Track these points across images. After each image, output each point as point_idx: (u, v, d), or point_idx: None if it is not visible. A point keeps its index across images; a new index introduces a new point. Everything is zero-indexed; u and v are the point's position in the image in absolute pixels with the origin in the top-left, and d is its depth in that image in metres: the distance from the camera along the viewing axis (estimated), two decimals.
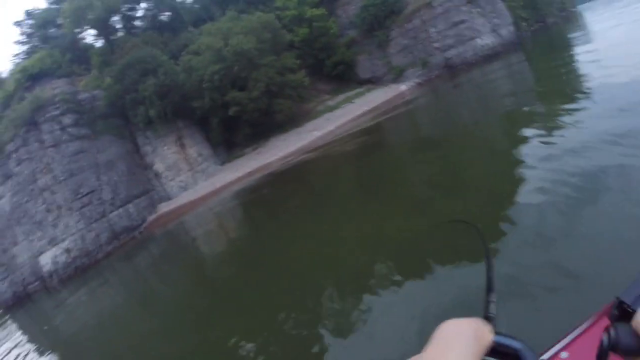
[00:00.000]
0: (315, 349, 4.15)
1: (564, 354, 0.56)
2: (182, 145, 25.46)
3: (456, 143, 10.04)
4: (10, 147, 27.98)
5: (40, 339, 15.00)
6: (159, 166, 25.35)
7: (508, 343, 0.34)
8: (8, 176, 27.96)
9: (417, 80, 32.60)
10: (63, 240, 24.76)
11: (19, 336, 17.34)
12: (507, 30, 33.24)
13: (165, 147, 25.30)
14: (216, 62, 26.49)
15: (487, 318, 0.38)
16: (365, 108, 30.00)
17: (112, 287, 17.38)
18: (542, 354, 0.43)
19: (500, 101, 14.25)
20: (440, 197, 6.84)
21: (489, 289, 0.45)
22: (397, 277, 4.78)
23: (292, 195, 13.39)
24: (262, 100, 26.99)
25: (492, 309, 0.40)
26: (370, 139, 17.58)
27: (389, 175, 9.69)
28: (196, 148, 25.80)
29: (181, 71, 27.45)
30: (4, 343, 15.86)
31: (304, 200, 11.66)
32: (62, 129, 27.40)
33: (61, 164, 26.08)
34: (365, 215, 7.66)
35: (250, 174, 24.37)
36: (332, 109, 30.37)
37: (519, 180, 5.72)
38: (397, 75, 33.88)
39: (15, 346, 14.53)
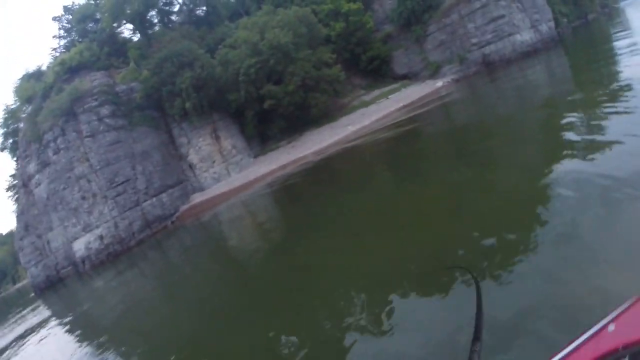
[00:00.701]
0: (342, 345, 3.82)
1: (611, 327, 0.57)
2: (217, 138, 25.33)
3: (492, 146, 9.16)
4: (48, 136, 28.57)
5: (70, 321, 15.33)
6: (193, 157, 25.29)
7: None
8: (46, 164, 28.57)
9: (454, 77, 31.65)
10: (97, 227, 24.96)
11: (49, 318, 17.56)
12: (546, 27, 31.94)
13: (200, 139, 25.24)
14: (252, 55, 26.33)
15: None
16: (401, 104, 29.19)
17: (142, 274, 17.18)
18: (587, 330, 0.38)
19: (536, 101, 13.23)
20: (471, 201, 6.07)
21: (476, 337, 0.42)
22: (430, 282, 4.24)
23: (326, 189, 12.78)
24: (298, 94, 26.60)
25: (476, 357, 0.38)
26: (404, 135, 16.81)
27: (423, 172, 9.04)
28: (230, 140, 25.62)
29: (217, 64, 27.42)
30: (35, 325, 16.23)
31: (338, 194, 11.01)
32: (100, 119, 27.78)
33: (97, 154, 26.39)
34: (399, 212, 7.08)
35: (283, 167, 23.93)
36: (367, 104, 29.69)
37: (545, 193, 4.97)
38: (434, 72, 33.08)
39: (45, 327, 14.86)
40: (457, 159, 9.05)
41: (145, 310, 10.10)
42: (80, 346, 9.35)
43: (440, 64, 32.58)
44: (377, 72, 33.40)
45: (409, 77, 34.68)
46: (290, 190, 17.07)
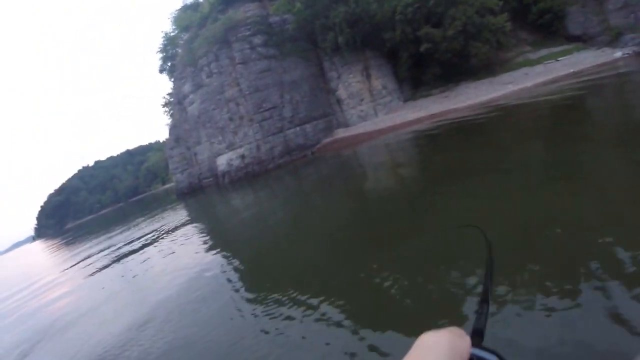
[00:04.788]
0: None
1: None
2: (368, 76, 24.55)
3: None
4: (202, 61, 31.12)
5: (200, 218, 16.91)
6: (341, 92, 25.09)
7: (485, 357, 0.33)
8: (199, 86, 31.50)
9: (637, 49, 25.23)
10: (240, 146, 26.99)
11: (185, 216, 19.46)
12: None
13: (351, 75, 24.75)
14: None
15: (476, 330, 0.37)
16: (571, 70, 24.55)
17: (274, 196, 17.55)
18: None
19: None
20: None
21: (484, 300, 0.43)
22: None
23: (475, 149, 10.82)
24: (457, 41, 23.97)
25: (483, 321, 0.39)
26: (572, 107, 13.37)
27: (587, 158, 6.65)
28: (381, 80, 24.63)
29: (373, 1, 26.00)
30: (173, 220, 18.21)
31: (486, 157, 9.27)
32: (252, 48, 29.11)
33: (248, 80, 27.94)
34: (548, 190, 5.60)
35: (433, 116, 22.20)
36: (532, 63, 25.61)
37: None
38: (613, 38, 26.81)
39: (180, 224, 16.37)
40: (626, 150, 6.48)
41: (270, 228, 10.33)
42: (205, 249, 9.93)
43: (622, 30, 26.25)
44: (548, 28, 28.34)
45: (583, 40, 28.84)
46: (437, 142, 15.45)
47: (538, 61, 26.19)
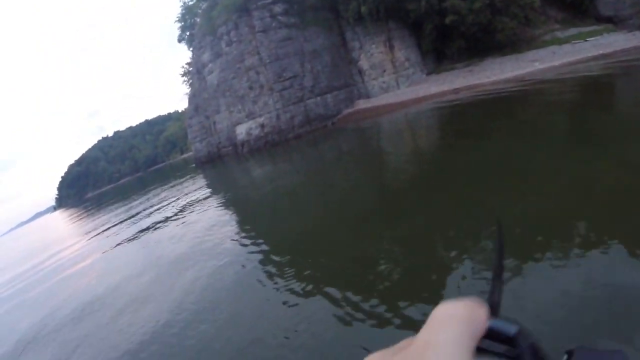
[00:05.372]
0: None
1: None
2: (391, 47, 24.32)
3: None
4: (222, 29, 30.89)
5: (219, 187, 17.24)
6: (363, 63, 24.97)
7: (503, 328, 0.33)
8: (219, 55, 31.43)
9: None
10: (260, 115, 27.22)
11: (203, 184, 20.02)
12: None
13: (373, 46, 24.54)
14: None
15: (491, 303, 0.37)
16: (600, 51, 23.95)
17: (293, 165, 17.74)
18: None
19: None
20: None
21: (497, 274, 0.44)
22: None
23: (498, 126, 10.74)
24: (484, 14, 23.45)
25: (498, 294, 0.40)
26: (599, 90, 13.00)
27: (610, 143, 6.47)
28: (404, 52, 24.39)
29: None
30: (193, 190, 18.53)
31: (509, 134, 9.18)
32: (272, 16, 28.77)
33: (268, 48, 27.78)
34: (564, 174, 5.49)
35: (455, 90, 22.06)
36: (560, 42, 25.01)
37: None
38: None
39: (200, 191, 16.87)
40: None
41: (287, 197, 10.49)
42: (221, 215, 10.28)
43: None
44: (578, 7, 27.47)
45: (614, 22, 27.92)
46: (459, 117, 15.32)
47: (566, 40, 25.55)
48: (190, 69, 37.26)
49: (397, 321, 3.27)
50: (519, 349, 0.31)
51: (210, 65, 32.55)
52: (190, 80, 36.56)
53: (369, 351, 0.28)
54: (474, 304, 0.31)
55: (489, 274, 3.40)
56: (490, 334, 0.32)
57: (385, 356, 0.29)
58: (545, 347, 0.30)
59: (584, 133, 7.49)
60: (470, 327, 0.29)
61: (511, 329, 0.32)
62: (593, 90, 12.72)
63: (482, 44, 23.70)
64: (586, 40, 26.14)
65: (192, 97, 34.78)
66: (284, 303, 4.22)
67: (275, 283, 4.79)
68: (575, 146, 6.77)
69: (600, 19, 27.92)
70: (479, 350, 0.31)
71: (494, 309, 0.36)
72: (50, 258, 15.56)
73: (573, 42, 25.88)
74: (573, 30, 26.32)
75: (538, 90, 16.18)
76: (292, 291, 4.39)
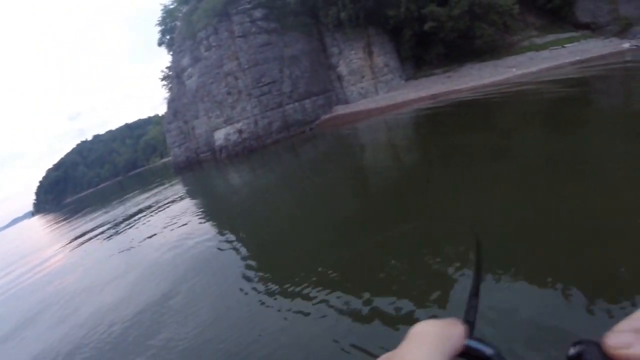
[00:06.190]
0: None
1: None
2: (370, 53, 24.07)
3: None
4: (201, 34, 30.33)
5: (198, 193, 17.18)
6: (342, 69, 24.64)
7: (480, 348, 0.33)
8: (198, 59, 30.81)
9: None
10: (238, 121, 26.63)
11: (180, 190, 19.60)
12: None
13: (352, 52, 24.25)
14: None
15: (467, 322, 0.37)
16: (576, 57, 24.23)
17: (271, 171, 17.45)
18: None
19: None
20: None
21: (474, 293, 0.44)
22: None
23: (474, 132, 10.69)
24: (463, 21, 23.45)
25: (473, 314, 0.40)
26: (574, 95, 13.12)
27: (586, 150, 6.45)
28: (383, 58, 24.16)
29: None
30: (170, 195, 18.28)
31: (486, 141, 9.05)
32: (252, 21, 28.35)
33: (247, 54, 27.31)
34: (542, 184, 5.41)
35: (434, 96, 21.90)
36: (538, 48, 25.21)
37: None
38: (623, 29, 26.52)
39: (177, 198, 16.58)
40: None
41: (267, 203, 10.46)
42: (202, 220, 10.25)
43: (633, 21, 25.89)
44: (556, 13, 27.81)
45: (592, 28, 28.39)
46: (437, 123, 15.25)
47: (544, 46, 25.77)
48: (170, 73, 36.50)
49: (379, 323, 3.28)
50: None
51: (189, 69, 31.89)
52: (170, 85, 35.79)
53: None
54: (450, 323, 0.32)
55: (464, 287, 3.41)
56: (468, 353, 0.33)
57: None
58: None
59: (555, 144, 7.27)
60: (445, 345, 0.30)
61: (488, 350, 0.33)
62: (567, 98, 12.61)
63: (461, 50, 23.67)
64: (564, 47, 26.42)
65: (171, 102, 34.00)
66: (263, 304, 4.28)
67: (255, 288, 4.82)
68: (546, 159, 6.54)
69: (579, 26, 28.31)
70: None
71: (469, 328, 0.36)
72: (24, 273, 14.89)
73: (551, 48, 26.12)
74: (551, 37, 26.59)
75: (515, 95, 16.15)
76: (271, 293, 4.49)
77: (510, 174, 6.08)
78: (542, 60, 24.60)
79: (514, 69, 24.03)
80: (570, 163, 5.74)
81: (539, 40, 25.83)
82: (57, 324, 6.25)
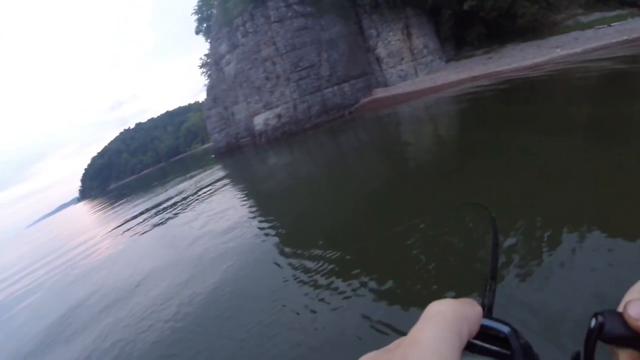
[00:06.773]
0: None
1: None
2: (408, 35, 24.21)
3: None
4: (238, 20, 31.13)
5: (239, 179, 17.55)
6: (381, 51, 24.96)
7: (497, 327, 0.32)
8: (235, 46, 31.79)
9: None
10: (277, 106, 27.62)
11: (221, 174, 20.40)
12: None
13: (391, 34, 24.46)
14: None
15: (485, 304, 0.38)
16: (624, 37, 23.25)
17: (310, 155, 17.91)
18: None
19: None
20: None
21: (491, 276, 0.44)
22: None
23: (519, 115, 10.23)
24: None
25: (491, 296, 0.40)
26: (630, 70, 12.44)
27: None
28: (423, 39, 24.25)
29: None
30: (212, 180, 18.97)
31: (532, 124, 8.83)
32: (288, 6, 28.86)
33: (284, 38, 27.97)
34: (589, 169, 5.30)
35: (475, 78, 21.87)
36: (583, 27, 24.38)
37: None
38: None
39: (219, 180, 17.27)
40: None
41: (305, 189, 10.50)
42: (240, 204, 10.67)
43: None
44: None
45: (639, 6, 27.07)
46: (480, 106, 14.92)
47: (589, 25, 24.88)
48: (209, 60, 37.83)
49: (405, 303, 3.49)
50: (511, 348, 0.31)
51: (227, 56, 33.01)
52: (209, 72, 37.17)
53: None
54: (466, 302, 0.31)
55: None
56: (484, 334, 0.32)
57: (378, 355, 0.29)
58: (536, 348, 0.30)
59: (603, 128, 7.08)
60: (459, 325, 0.28)
61: (504, 329, 0.32)
62: (616, 78, 12.45)
63: (502, 29, 23.34)
64: (610, 25, 25.39)
65: (211, 89, 35.42)
66: (304, 292, 4.41)
67: (295, 275, 4.93)
68: (595, 143, 6.47)
69: (625, 3, 27.02)
70: (473, 348, 0.31)
71: (487, 309, 0.37)
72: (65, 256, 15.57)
73: (596, 27, 25.20)
74: (597, 15, 25.59)
75: (560, 77, 15.86)
76: (314, 283, 4.54)
77: (556, 166, 5.68)
78: (588, 40, 23.79)
79: (558, 49, 23.45)
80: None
81: (584, 19, 24.95)
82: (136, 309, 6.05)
